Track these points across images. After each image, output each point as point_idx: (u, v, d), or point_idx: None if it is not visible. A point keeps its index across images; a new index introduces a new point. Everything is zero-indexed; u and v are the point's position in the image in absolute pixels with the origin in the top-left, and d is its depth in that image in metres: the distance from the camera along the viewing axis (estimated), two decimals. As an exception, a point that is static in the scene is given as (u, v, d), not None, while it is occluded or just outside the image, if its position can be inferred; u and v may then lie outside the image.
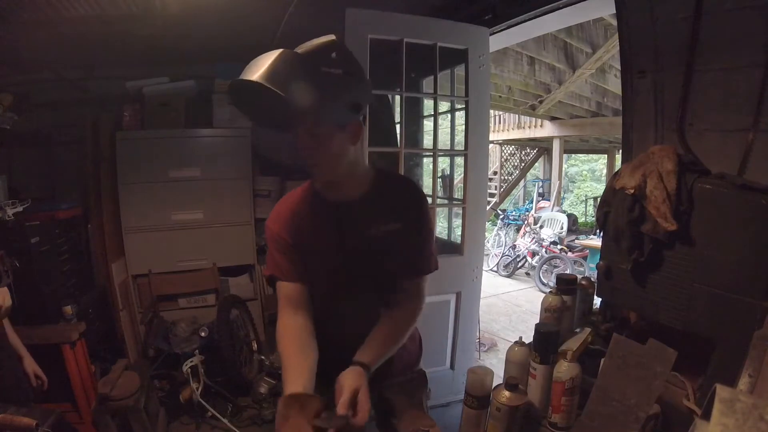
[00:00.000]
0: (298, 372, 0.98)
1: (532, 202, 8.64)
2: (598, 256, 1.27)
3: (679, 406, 0.95)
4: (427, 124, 3.04)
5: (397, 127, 2.85)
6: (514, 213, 7.83)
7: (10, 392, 1.46)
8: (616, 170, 1.24)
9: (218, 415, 2.32)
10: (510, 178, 10.87)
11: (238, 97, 0.98)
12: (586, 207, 10.37)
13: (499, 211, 7.80)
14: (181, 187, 2.78)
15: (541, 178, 9.94)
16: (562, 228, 6.82)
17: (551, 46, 4.69)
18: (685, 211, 1.01)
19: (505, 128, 8.78)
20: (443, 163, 3.33)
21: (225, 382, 2.53)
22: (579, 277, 1.34)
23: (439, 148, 2.47)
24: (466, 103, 2.36)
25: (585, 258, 5.64)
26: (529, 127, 8.11)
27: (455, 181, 3.56)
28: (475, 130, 2.39)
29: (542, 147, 10.00)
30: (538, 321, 1.19)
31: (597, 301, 1.35)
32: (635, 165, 1.13)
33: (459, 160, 3.03)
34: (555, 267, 5.48)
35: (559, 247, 6.03)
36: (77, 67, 2.80)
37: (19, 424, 1.17)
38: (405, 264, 1.12)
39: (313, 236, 1.10)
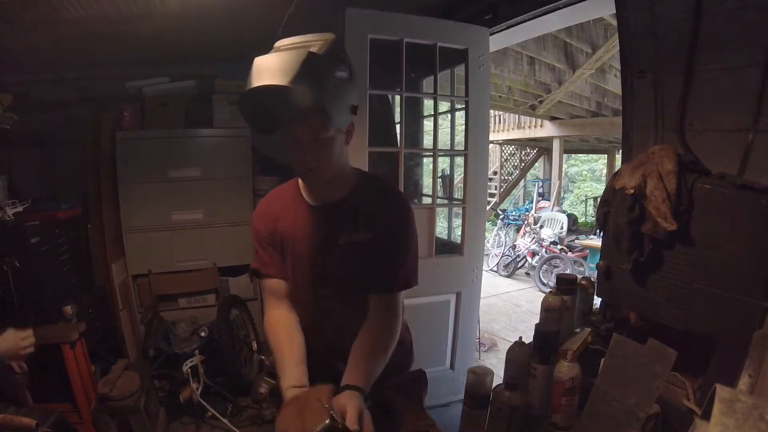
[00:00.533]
0: (293, 363, 0.99)
1: (532, 202, 8.64)
2: (598, 256, 1.27)
3: (679, 406, 0.95)
4: (427, 124, 3.04)
5: (397, 127, 2.85)
6: (514, 213, 7.83)
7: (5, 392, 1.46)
8: (616, 170, 1.24)
9: (218, 415, 2.32)
10: (510, 178, 10.87)
11: (254, 100, 0.96)
12: (586, 207, 10.37)
13: (499, 211, 7.80)
14: (181, 187, 2.78)
15: (541, 178, 9.94)
16: (562, 228, 6.82)
17: (551, 46, 4.69)
18: (685, 211, 1.01)
19: (505, 128, 8.78)
20: (443, 163, 3.33)
21: (225, 382, 2.53)
22: (579, 277, 1.34)
23: (439, 148, 2.47)
24: (466, 103, 2.36)
25: (585, 258, 5.64)
26: (529, 127, 8.11)
27: (455, 181, 3.56)
28: (475, 130, 2.39)
29: (542, 147, 10.00)
30: (538, 321, 1.19)
31: (597, 301, 1.35)
32: (635, 165, 1.13)
33: (459, 160, 3.03)
34: (555, 267, 5.48)
35: (559, 247, 6.03)
36: (77, 67, 2.79)
37: (19, 424, 1.17)
38: (373, 277, 1.05)
39: (292, 237, 1.10)
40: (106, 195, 2.65)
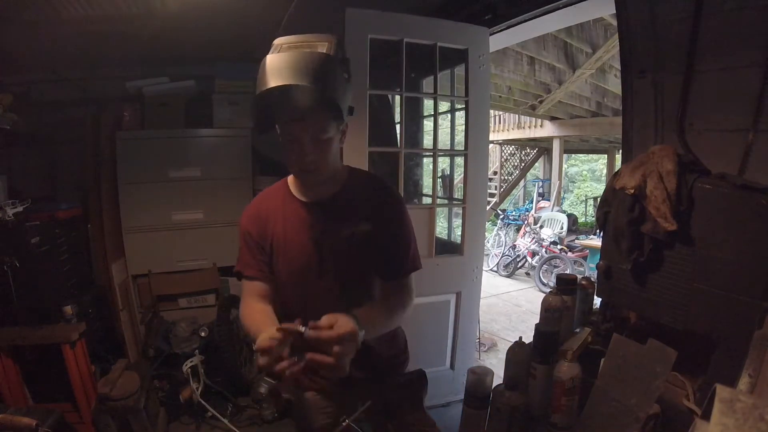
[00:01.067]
0: (270, 323, 0.95)
1: (532, 202, 8.64)
2: (598, 256, 1.27)
3: (679, 406, 0.95)
4: (427, 124, 3.04)
5: (397, 127, 2.85)
6: (514, 213, 7.83)
7: None
8: (616, 170, 1.24)
9: (218, 415, 2.32)
10: (510, 178, 10.86)
11: (269, 100, 0.96)
12: (586, 207, 10.36)
13: (499, 211, 7.80)
14: (181, 187, 2.78)
15: (541, 178, 9.93)
16: (562, 228, 6.81)
17: (551, 46, 4.69)
18: (685, 211, 1.01)
19: (505, 128, 8.78)
20: (443, 163, 3.32)
21: (225, 382, 2.53)
22: (579, 277, 1.34)
23: (439, 148, 2.47)
24: (466, 103, 2.36)
25: (585, 258, 5.64)
26: (529, 127, 8.11)
27: (455, 181, 3.56)
28: (475, 130, 2.39)
29: (542, 147, 10.00)
30: (538, 321, 1.19)
31: (597, 301, 1.35)
32: (635, 165, 1.13)
33: (459, 160, 3.02)
34: (555, 267, 5.48)
35: (559, 247, 6.03)
36: (77, 67, 2.79)
37: (19, 424, 1.17)
38: (383, 265, 1.11)
39: (284, 236, 1.10)
40: (106, 195, 2.65)
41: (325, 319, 0.83)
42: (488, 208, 7.22)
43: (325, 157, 1.01)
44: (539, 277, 5.44)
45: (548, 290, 1.35)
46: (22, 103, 2.51)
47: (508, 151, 10.95)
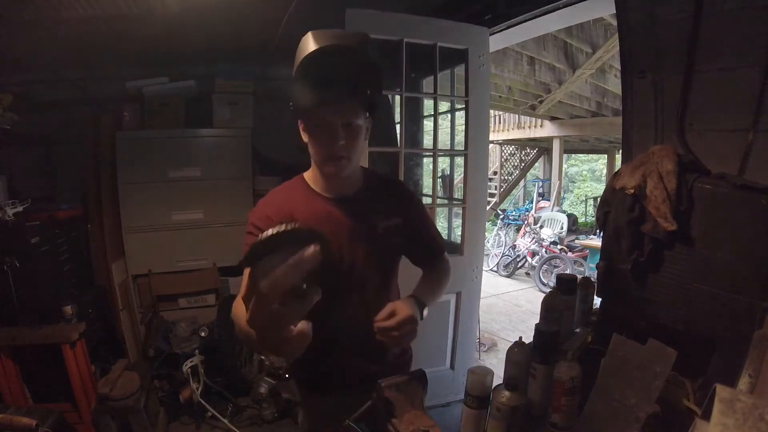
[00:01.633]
0: None
1: (532, 202, 8.64)
2: (598, 256, 1.27)
3: (679, 406, 0.95)
4: (427, 124, 3.04)
5: (397, 127, 2.85)
6: (514, 213, 7.83)
7: None
8: (616, 170, 1.24)
9: (218, 415, 2.32)
10: (510, 178, 10.87)
11: (316, 63, 0.94)
12: (586, 207, 10.37)
13: (499, 211, 7.80)
14: (181, 187, 2.78)
15: (541, 178, 9.94)
16: (562, 228, 6.82)
17: (551, 46, 4.69)
18: (685, 211, 1.01)
19: (505, 128, 8.78)
20: (443, 163, 3.33)
21: (225, 382, 2.53)
22: (579, 277, 1.34)
23: (439, 148, 2.47)
24: (466, 103, 2.36)
25: (585, 258, 5.64)
26: (529, 127, 8.11)
27: (455, 181, 3.56)
28: (475, 130, 2.39)
29: (542, 147, 10.00)
30: (538, 321, 1.19)
31: (597, 301, 1.35)
32: (635, 165, 1.13)
33: (459, 160, 3.03)
34: (555, 267, 5.48)
35: (559, 247, 6.03)
36: (77, 67, 2.79)
37: (19, 424, 1.17)
38: (422, 252, 1.23)
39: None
40: (106, 195, 2.65)
41: (386, 310, 0.95)
42: (488, 208, 7.22)
43: (355, 146, 1.01)
44: (539, 277, 5.44)
45: (548, 290, 1.35)
46: (22, 103, 2.51)
47: (508, 151, 10.95)
